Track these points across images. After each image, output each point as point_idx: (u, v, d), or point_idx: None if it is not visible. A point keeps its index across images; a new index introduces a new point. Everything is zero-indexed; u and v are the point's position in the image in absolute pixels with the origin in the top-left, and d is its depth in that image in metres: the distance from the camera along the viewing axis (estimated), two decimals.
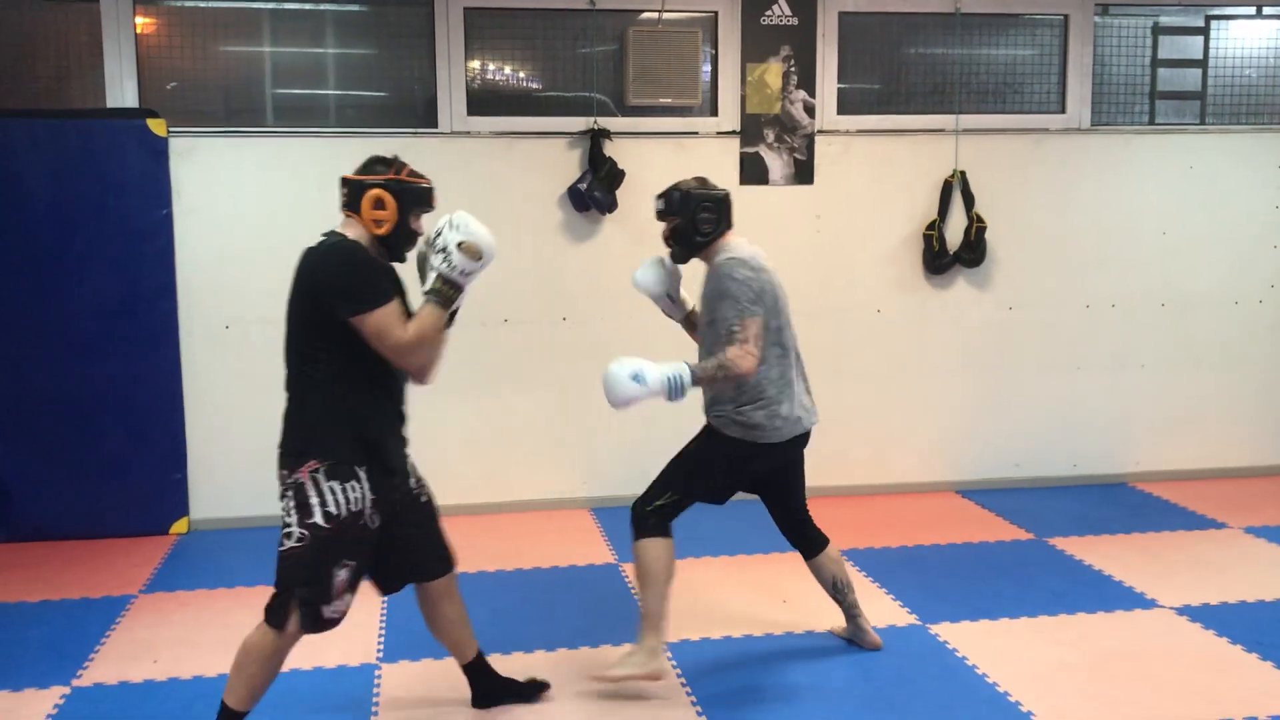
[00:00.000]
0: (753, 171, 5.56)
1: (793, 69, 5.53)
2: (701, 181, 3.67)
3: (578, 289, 5.52)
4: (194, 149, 5.14)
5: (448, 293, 2.96)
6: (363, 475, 2.94)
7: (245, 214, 5.24)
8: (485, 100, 5.45)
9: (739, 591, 4.44)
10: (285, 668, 3.75)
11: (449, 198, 5.31)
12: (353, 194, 3.04)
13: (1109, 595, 4.35)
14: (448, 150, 5.38)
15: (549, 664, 3.79)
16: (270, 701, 3.28)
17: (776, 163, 5.57)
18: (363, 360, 2.92)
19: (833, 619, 4.12)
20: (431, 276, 2.98)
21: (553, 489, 5.60)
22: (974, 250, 5.69)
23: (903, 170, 5.67)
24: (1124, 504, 5.62)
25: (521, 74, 5.61)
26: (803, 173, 5.60)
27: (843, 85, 5.64)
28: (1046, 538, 5.07)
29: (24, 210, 5.02)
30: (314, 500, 2.90)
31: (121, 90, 5.11)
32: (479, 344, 5.42)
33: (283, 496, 2.94)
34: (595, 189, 5.38)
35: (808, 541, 3.81)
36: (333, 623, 3.00)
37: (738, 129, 5.53)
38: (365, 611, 4.29)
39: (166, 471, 5.23)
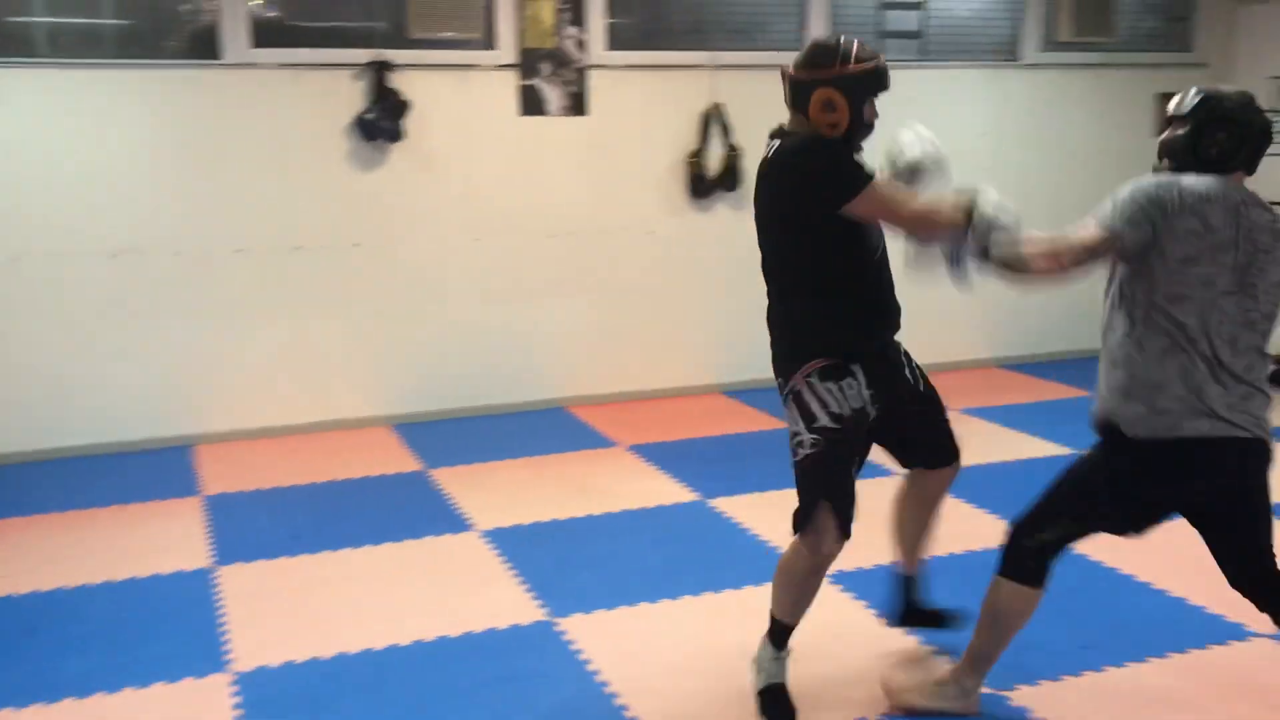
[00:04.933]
0: (531, 103, 5.93)
1: (565, 5, 5.91)
2: (1247, 97, 2.67)
3: (369, 216, 5.77)
4: None
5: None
6: (857, 370, 2.83)
7: (18, 148, 5.19)
8: (270, 32, 5.56)
9: (545, 486, 4.92)
10: (123, 576, 4.00)
11: (233, 131, 5.51)
12: (798, 93, 2.80)
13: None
14: (232, 82, 5.48)
15: (380, 556, 4.17)
16: (116, 612, 3.54)
17: (553, 95, 5.96)
18: (838, 258, 2.82)
19: (635, 499, 4.67)
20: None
21: (352, 409, 5.87)
22: (730, 176, 6.30)
23: (667, 102, 6.19)
24: None
25: (306, 5, 5.74)
26: (577, 105, 6.02)
27: (611, 22, 6.07)
28: None
29: None
30: (815, 405, 2.81)
31: None
32: (273, 271, 5.62)
33: (785, 404, 2.89)
34: (382, 119, 5.63)
35: (1269, 598, 2.78)
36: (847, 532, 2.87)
37: (516, 62, 5.88)
38: (190, 520, 4.52)
39: None
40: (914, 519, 3.21)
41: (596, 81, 6.04)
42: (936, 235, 2.75)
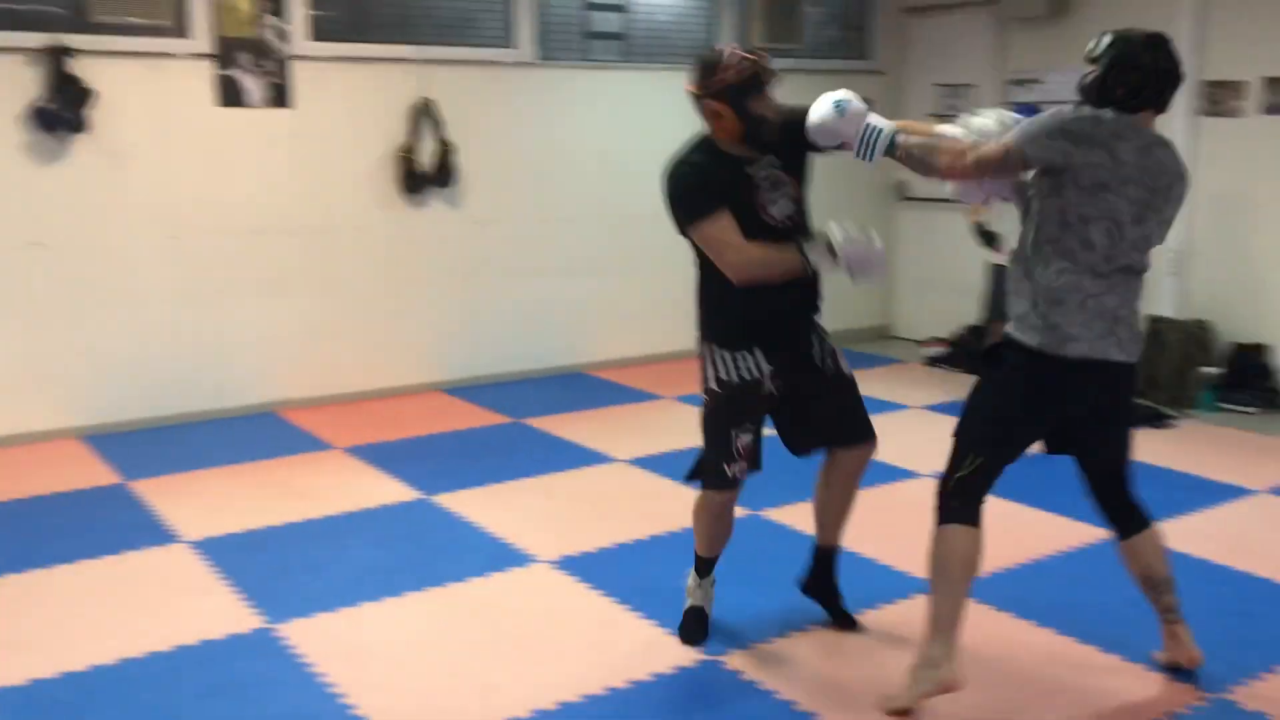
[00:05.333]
0: (230, 94, 5.68)
1: None
2: (1154, 40, 2.80)
3: (50, 213, 5.35)
4: None
5: (813, 258, 2.97)
6: (755, 348, 3.09)
7: None
8: None
9: (258, 492, 4.73)
10: None
11: None
12: (696, 108, 3.04)
13: (576, 455, 5.22)
14: None
15: (76, 575, 3.89)
16: None
17: (254, 86, 5.74)
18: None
19: (354, 501, 4.58)
20: (820, 236, 2.98)
21: (38, 421, 5.43)
22: (444, 172, 6.27)
23: (376, 96, 6.09)
24: (582, 388, 6.59)
25: None
26: (280, 97, 5.82)
27: (314, 13, 5.90)
28: (523, 419, 5.87)
29: None
30: (709, 368, 3.14)
31: None
32: None
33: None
34: (62, 109, 5.24)
35: (1122, 517, 3.05)
36: (735, 483, 3.18)
37: (212, 51, 5.61)
38: None
39: None
40: (832, 495, 3.36)
41: (300, 73, 5.86)
42: (763, 279, 2.99)
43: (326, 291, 6.09)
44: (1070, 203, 2.74)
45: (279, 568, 3.96)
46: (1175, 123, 6.31)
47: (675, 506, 4.49)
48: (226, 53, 5.64)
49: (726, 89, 2.95)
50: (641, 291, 7.13)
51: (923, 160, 2.88)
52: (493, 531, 4.28)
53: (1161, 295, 6.48)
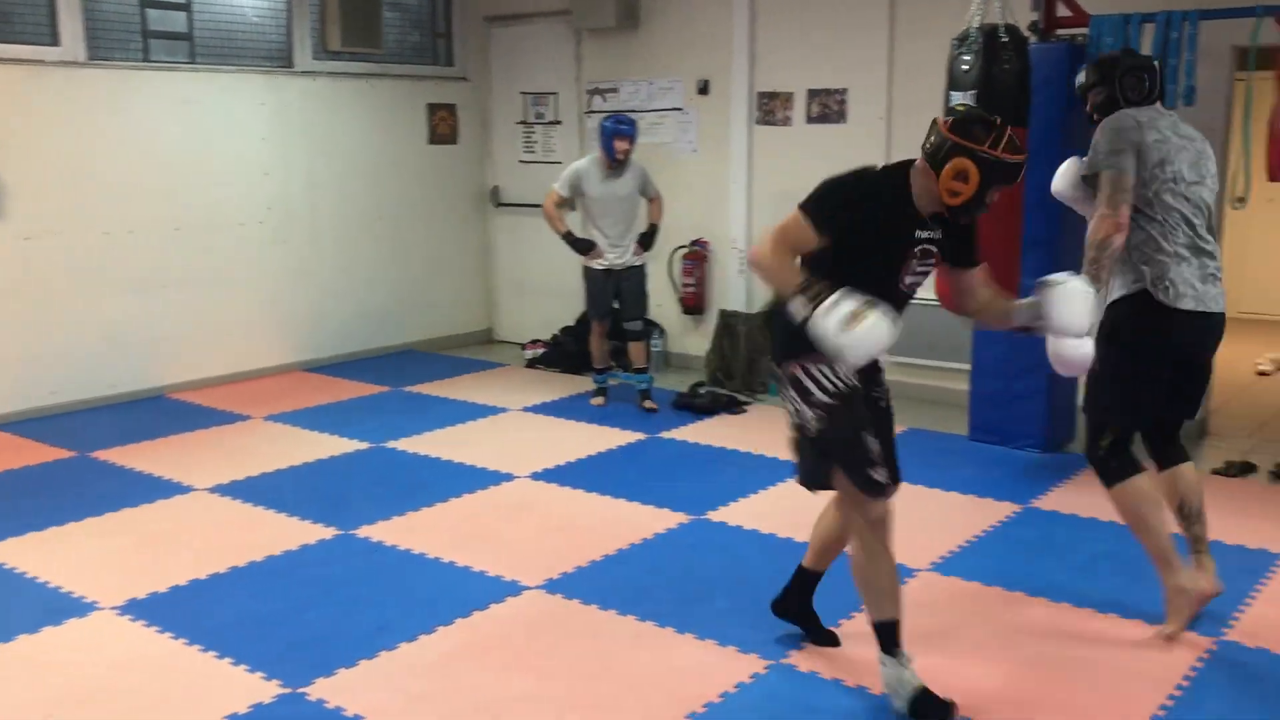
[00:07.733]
0: None
1: None
2: (1127, 50, 3.90)
3: None
4: None
5: (804, 305, 2.74)
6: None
7: None
8: None
9: None
10: None
11: None
12: (937, 150, 2.82)
13: (152, 489, 4.82)
14: None
15: None
16: None
17: None
18: (842, 265, 2.83)
19: None
20: (819, 302, 2.71)
21: None
22: None
23: None
24: (162, 412, 6.12)
25: None
26: None
27: None
28: (89, 452, 5.35)
29: None
30: (810, 384, 2.91)
31: None
32: None
33: (783, 394, 3.01)
34: None
35: (1168, 452, 3.54)
36: (888, 488, 2.93)
37: None
38: None
39: None
40: (828, 526, 3.29)
41: None
42: (759, 275, 2.94)
43: None
44: (1148, 181, 3.33)
45: None
46: (735, 131, 6.82)
47: (259, 535, 4.29)
48: None
49: (995, 165, 2.79)
50: (224, 306, 6.74)
51: (1104, 259, 3.34)
52: (47, 580, 3.85)
53: (732, 291, 6.98)
